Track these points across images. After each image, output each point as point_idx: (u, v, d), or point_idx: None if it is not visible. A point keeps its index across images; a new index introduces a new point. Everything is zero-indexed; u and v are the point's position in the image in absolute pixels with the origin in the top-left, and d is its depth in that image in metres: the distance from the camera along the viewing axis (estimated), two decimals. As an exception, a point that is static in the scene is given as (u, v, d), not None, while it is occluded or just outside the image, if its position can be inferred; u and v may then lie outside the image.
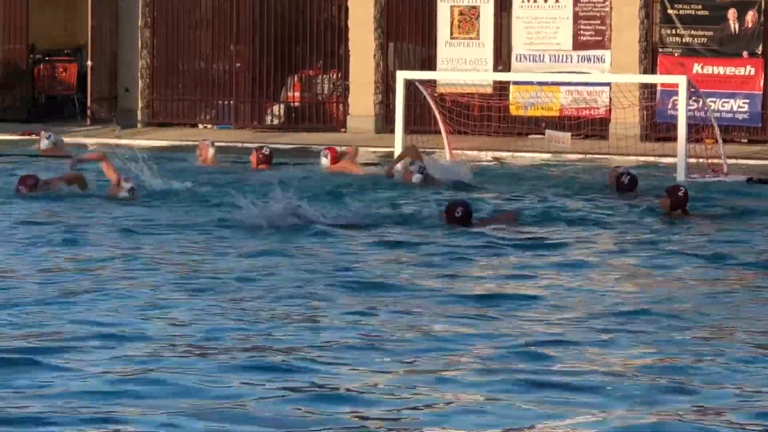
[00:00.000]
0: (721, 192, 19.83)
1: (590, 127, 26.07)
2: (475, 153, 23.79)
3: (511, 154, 24.78)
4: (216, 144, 23.18)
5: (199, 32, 28.92)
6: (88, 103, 28.64)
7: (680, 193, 16.26)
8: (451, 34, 27.14)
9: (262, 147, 22.10)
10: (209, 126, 28.65)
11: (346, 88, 27.80)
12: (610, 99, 25.98)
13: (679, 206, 16.02)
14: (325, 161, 21.80)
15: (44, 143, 24.66)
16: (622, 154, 24.58)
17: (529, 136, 26.16)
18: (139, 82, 28.78)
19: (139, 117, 28.62)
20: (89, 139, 26.66)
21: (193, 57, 29.05)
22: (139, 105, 28.79)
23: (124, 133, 27.36)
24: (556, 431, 6.43)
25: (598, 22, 26.63)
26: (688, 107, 22.34)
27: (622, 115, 25.07)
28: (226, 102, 28.75)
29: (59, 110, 29.65)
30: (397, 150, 22.15)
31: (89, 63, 28.75)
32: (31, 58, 29.90)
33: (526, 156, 24.99)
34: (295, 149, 25.45)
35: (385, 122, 26.55)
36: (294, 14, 29.11)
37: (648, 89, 25.73)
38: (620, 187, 18.04)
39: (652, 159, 24.18)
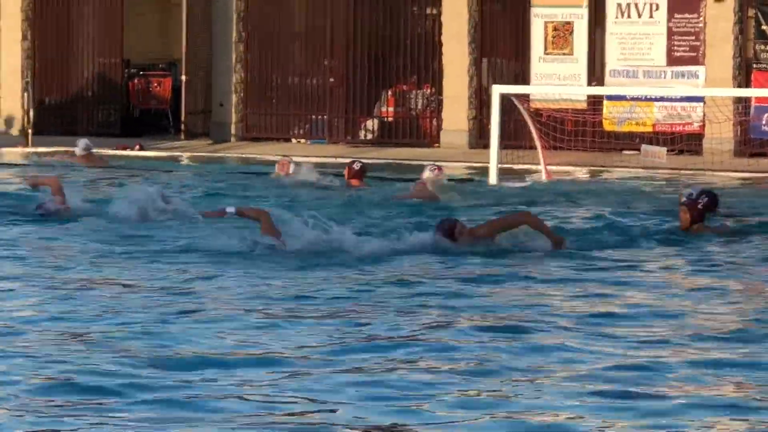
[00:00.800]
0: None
1: (684, 142, 25.11)
2: (570, 168, 23.35)
3: (605, 169, 23.97)
4: (296, 160, 22.70)
5: (293, 47, 28.85)
6: (182, 118, 28.56)
7: (699, 206, 15.15)
8: (545, 49, 26.70)
9: (354, 161, 21.29)
10: (302, 141, 28.50)
11: (440, 103, 27.30)
12: (704, 114, 25.17)
13: (700, 219, 15.08)
14: (430, 174, 20.72)
15: (78, 151, 24.16)
16: (716, 170, 23.61)
17: (623, 152, 25.16)
18: (233, 96, 28.31)
19: (233, 131, 28.21)
20: (184, 153, 27.03)
21: (286, 72, 28.71)
22: (233, 119, 28.39)
23: (218, 147, 28.11)
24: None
25: (693, 37, 26.10)
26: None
27: (717, 130, 24.27)
28: (319, 117, 28.24)
29: (154, 124, 29.64)
30: (493, 165, 21.64)
31: (183, 77, 28.57)
32: (126, 72, 29.87)
33: (619, 171, 23.78)
34: (388, 164, 24.91)
35: (478, 137, 26.17)
36: (388, 29, 28.70)
37: (742, 104, 25.33)
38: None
39: (747, 174, 23.59)
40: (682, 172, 24.03)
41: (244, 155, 27.38)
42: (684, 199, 15.97)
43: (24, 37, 29.63)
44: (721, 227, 15.51)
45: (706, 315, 10.57)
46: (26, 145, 27.78)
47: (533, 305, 10.61)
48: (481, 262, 12.96)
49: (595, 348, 8.64)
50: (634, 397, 6.97)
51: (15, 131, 29.36)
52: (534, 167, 22.80)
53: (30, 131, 28.28)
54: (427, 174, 20.72)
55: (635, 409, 6.68)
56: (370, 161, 24.55)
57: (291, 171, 21.44)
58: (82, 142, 24.75)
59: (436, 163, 22.21)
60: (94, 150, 24.53)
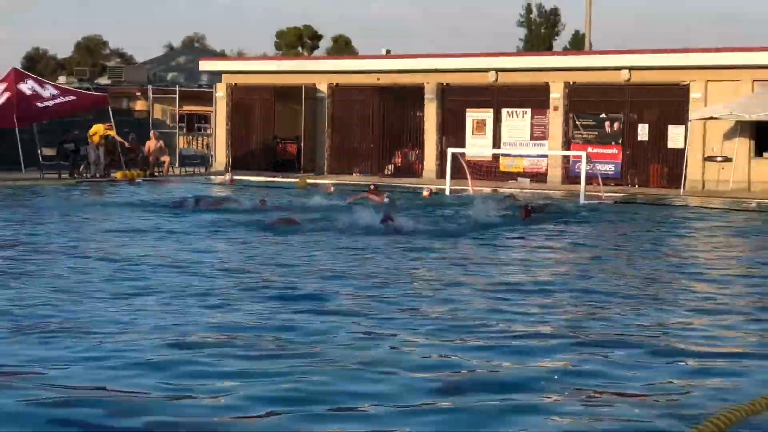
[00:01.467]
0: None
1: (537, 177, 31.31)
2: (482, 187, 27.15)
3: (501, 187, 28.43)
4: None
5: (353, 129, 34.47)
6: (302, 162, 34.30)
7: (528, 208, 18.68)
8: (473, 132, 32.71)
9: (373, 185, 24.14)
10: (358, 174, 33.56)
11: (423, 157, 32.89)
12: (548, 163, 31.41)
13: (528, 215, 18.23)
14: (426, 192, 24.51)
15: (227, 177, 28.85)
16: (553, 190, 28.64)
17: (509, 181, 30.92)
18: (325, 153, 34.53)
19: (325, 170, 34.16)
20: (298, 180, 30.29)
21: (351, 141, 34.60)
22: (324, 164, 34.47)
23: (318, 176, 32.58)
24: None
25: (543, 126, 31.93)
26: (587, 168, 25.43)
27: (554, 171, 31.30)
28: (364, 162, 34.02)
29: (289, 166, 34.24)
30: (447, 186, 25.95)
31: (302, 144, 34.43)
32: (275, 140, 35.17)
33: (508, 190, 27.91)
34: (399, 185, 28.81)
35: (440, 173, 30.68)
36: (399, 122, 34.11)
37: (565, 158, 30.83)
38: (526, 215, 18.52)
39: (567, 192, 27.61)
40: (536, 191, 28.50)
41: (333, 180, 30.45)
42: (523, 205, 19.73)
43: (227, 123, 35.59)
44: (537, 216, 18.58)
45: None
46: (227, 174, 31.95)
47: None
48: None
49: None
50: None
51: (222, 168, 34.61)
52: (466, 187, 26.37)
53: (229, 167, 34.33)
54: (425, 192, 24.50)
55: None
56: (389, 184, 28.84)
57: (380, 199, 21.92)
58: (230, 174, 30.61)
59: (428, 187, 25.82)
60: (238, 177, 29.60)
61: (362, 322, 8.14)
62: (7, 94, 28.16)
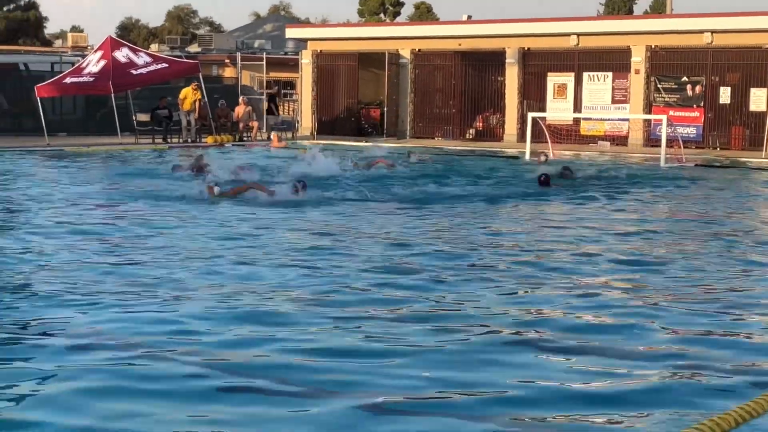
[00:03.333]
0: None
1: (618, 140, 30.98)
2: (563, 151, 27.07)
3: (581, 152, 27.98)
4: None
5: (435, 94, 34.66)
6: (384, 127, 34.58)
7: (543, 178, 17.70)
8: (553, 96, 32.36)
9: (410, 152, 25.26)
10: (440, 138, 33.81)
11: (503, 122, 32.80)
12: (629, 127, 30.84)
13: (546, 184, 17.46)
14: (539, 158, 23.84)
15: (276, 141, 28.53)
16: (634, 153, 28.28)
17: (590, 144, 30.59)
18: (408, 117, 34.60)
19: (408, 134, 34.45)
20: (385, 144, 30.93)
21: (432, 106, 34.72)
22: (407, 129, 34.62)
23: (401, 140, 33.04)
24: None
25: (624, 89, 31.14)
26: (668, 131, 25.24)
27: (635, 134, 30.87)
28: (447, 127, 34.14)
29: (372, 131, 34.52)
30: (527, 150, 25.62)
31: (385, 109, 34.68)
32: (359, 105, 35.40)
33: (588, 154, 27.71)
34: (480, 150, 29.58)
35: (521, 137, 29.92)
36: (480, 86, 33.48)
37: (646, 122, 30.51)
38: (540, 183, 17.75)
39: (648, 155, 27.07)
40: (619, 154, 28.10)
41: (415, 144, 30.87)
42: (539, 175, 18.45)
43: (312, 90, 35.79)
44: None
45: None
46: (313, 140, 32.86)
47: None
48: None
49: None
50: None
51: (308, 133, 34.92)
52: (545, 151, 25.62)
53: (315, 133, 34.50)
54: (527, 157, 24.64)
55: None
56: (473, 149, 29.81)
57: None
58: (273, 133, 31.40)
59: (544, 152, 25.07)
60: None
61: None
62: (103, 62, 28.77)
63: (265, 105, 33.57)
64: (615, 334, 6.69)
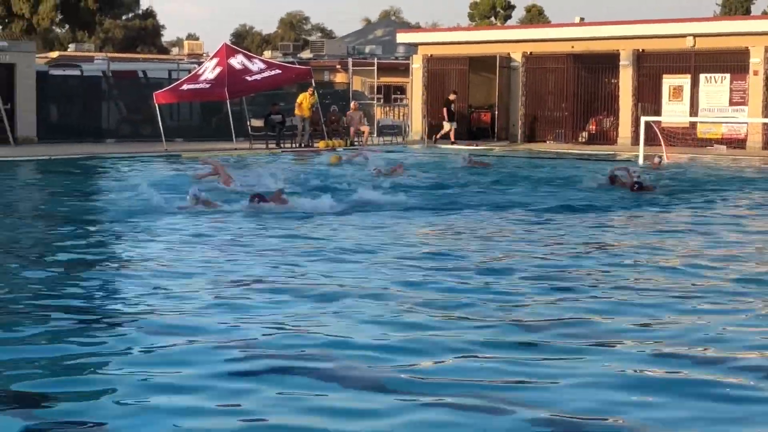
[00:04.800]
0: None
1: (736, 143, 30.41)
2: (679, 155, 26.65)
3: (697, 156, 27.84)
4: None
5: (547, 97, 34.54)
6: (496, 131, 34.77)
7: (636, 187, 17.00)
8: (668, 98, 32.00)
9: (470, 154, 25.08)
10: (551, 141, 33.68)
11: (617, 125, 32.60)
12: (747, 130, 30.39)
13: (641, 189, 16.88)
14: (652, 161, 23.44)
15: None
16: (753, 156, 28.00)
17: (706, 148, 29.97)
18: (519, 120, 34.47)
19: (519, 138, 34.26)
20: (496, 146, 32.16)
21: (544, 109, 34.56)
22: (519, 132, 34.47)
23: (513, 144, 33.27)
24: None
25: (742, 92, 30.57)
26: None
27: (753, 137, 30.33)
28: (558, 130, 33.97)
29: (484, 134, 34.94)
30: (641, 153, 25.27)
31: (496, 112, 34.67)
32: (470, 109, 35.75)
33: (706, 158, 27.25)
34: (590, 153, 29.20)
35: (635, 140, 29.59)
36: (593, 89, 33.54)
37: (766, 125, 29.60)
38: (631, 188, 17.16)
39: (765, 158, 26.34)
40: (735, 158, 27.78)
41: (527, 148, 31.78)
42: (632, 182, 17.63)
43: (422, 94, 36.03)
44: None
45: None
46: (424, 144, 33.62)
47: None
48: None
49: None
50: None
51: (418, 137, 35.15)
52: (660, 154, 24.75)
53: (425, 137, 34.66)
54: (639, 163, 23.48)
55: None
56: (583, 152, 29.82)
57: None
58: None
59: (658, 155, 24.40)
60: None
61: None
62: (219, 69, 29.36)
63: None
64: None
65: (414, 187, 17.49)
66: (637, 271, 9.35)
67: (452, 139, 32.38)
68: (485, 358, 6.16)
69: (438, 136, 32.74)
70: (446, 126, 32.76)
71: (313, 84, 31.54)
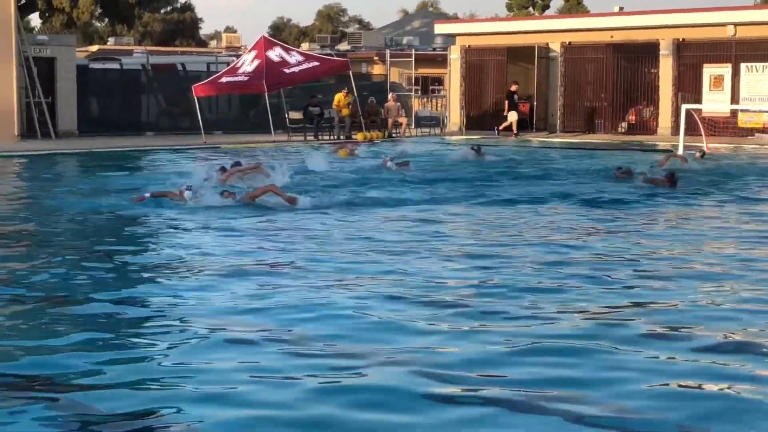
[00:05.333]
0: None
1: None
2: (718, 145, 26.88)
3: (738, 146, 28.17)
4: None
5: (586, 87, 34.34)
6: (534, 121, 34.58)
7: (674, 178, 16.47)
8: (709, 87, 31.87)
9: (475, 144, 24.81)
10: (591, 132, 33.26)
11: (657, 114, 32.53)
12: None
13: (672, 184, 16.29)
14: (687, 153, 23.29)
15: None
16: None
17: (747, 137, 30.25)
18: (558, 111, 34.42)
19: (558, 128, 34.23)
20: (535, 137, 32.54)
21: (582, 100, 34.42)
22: (557, 122, 34.43)
23: (551, 135, 33.26)
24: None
25: None
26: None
27: None
28: (598, 121, 33.75)
29: (523, 125, 33.98)
30: (681, 143, 25.31)
31: (534, 103, 34.58)
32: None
33: (749, 148, 27.40)
34: (630, 142, 29.49)
35: (675, 129, 29.70)
36: (633, 79, 33.30)
37: None
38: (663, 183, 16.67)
39: None
40: None
41: (564, 139, 31.74)
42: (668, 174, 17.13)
43: (461, 85, 35.94)
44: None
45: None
46: (461, 134, 33.85)
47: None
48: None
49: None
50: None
51: (456, 128, 35.32)
52: (701, 146, 25.07)
53: (463, 128, 35.09)
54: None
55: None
56: (621, 142, 30.05)
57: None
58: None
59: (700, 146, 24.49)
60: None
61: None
62: (257, 62, 29.51)
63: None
64: None
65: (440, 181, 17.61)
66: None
67: (514, 131, 32.49)
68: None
69: (502, 128, 32.69)
70: (510, 117, 32.65)
71: (350, 76, 31.63)
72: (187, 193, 13.29)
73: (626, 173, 17.98)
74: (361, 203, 13.93)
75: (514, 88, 32.97)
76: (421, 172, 18.97)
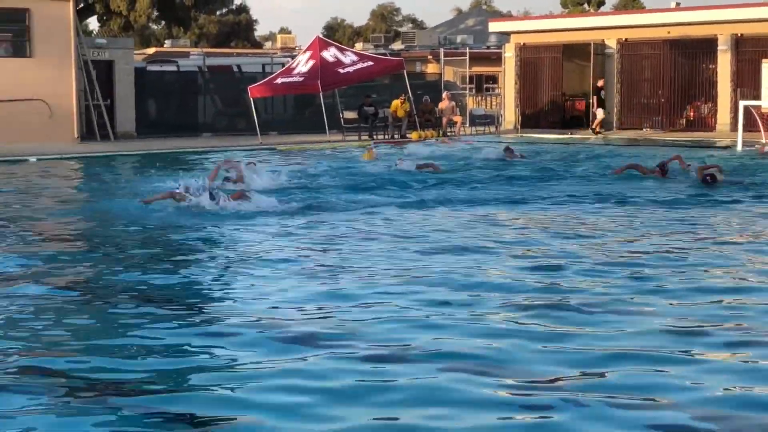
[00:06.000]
0: None
1: None
2: None
3: None
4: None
5: (642, 84, 34.04)
6: (590, 120, 33.54)
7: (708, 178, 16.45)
8: None
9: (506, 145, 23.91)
10: (649, 129, 33.15)
11: (715, 111, 32.25)
12: None
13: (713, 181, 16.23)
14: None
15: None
16: None
17: None
18: (614, 108, 34.04)
19: (614, 125, 33.83)
20: (591, 136, 31.76)
21: (639, 96, 34.17)
22: (614, 119, 33.98)
23: (607, 131, 32.78)
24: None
25: None
26: None
27: None
28: (655, 117, 33.46)
29: (578, 123, 33.97)
30: (739, 140, 24.90)
31: (591, 101, 33.83)
32: (564, 98, 35.37)
33: None
34: (688, 140, 28.98)
35: (733, 126, 29.34)
36: (690, 76, 33.05)
37: None
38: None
39: None
40: None
41: (618, 136, 31.76)
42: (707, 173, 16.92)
43: (515, 83, 35.92)
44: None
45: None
46: (517, 133, 33.70)
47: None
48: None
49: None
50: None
51: (511, 127, 35.30)
52: (764, 142, 25.33)
53: (518, 126, 34.76)
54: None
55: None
56: (679, 139, 29.23)
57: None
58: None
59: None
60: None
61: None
62: (312, 62, 29.67)
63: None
64: None
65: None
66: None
67: (595, 129, 32.07)
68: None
69: (596, 126, 32.25)
70: (600, 114, 32.22)
71: (404, 75, 31.64)
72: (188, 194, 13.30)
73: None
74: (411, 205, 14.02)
75: (600, 83, 32.48)
76: (452, 173, 18.92)
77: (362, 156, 22.83)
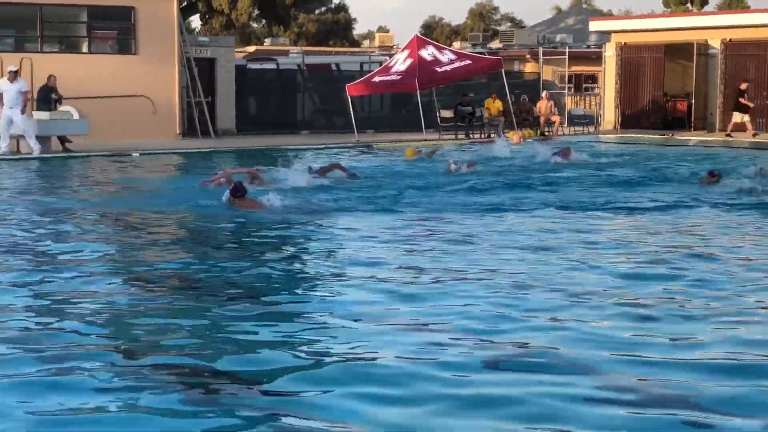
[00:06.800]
0: None
1: None
2: None
3: None
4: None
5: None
6: (692, 120, 33.42)
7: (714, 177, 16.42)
8: None
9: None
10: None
11: None
12: None
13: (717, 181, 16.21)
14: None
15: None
16: None
17: None
18: (717, 109, 33.12)
19: (717, 127, 32.83)
20: (695, 137, 30.91)
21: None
22: (716, 121, 32.90)
23: (709, 133, 31.97)
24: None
25: None
26: None
27: None
28: (759, 119, 32.27)
29: (680, 124, 33.54)
30: None
31: (693, 101, 33.16)
32: (665, 98, 34.36)
33: None
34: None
35: None
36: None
37: None
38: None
39: None
40: None
41: (716, 138, 30.04)
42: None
43: (616, 83, 35.05)
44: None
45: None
46: (617, 133, 33.37)
47: None
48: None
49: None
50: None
51: (611, 127, 34.72)
52: None
53: (618, 127, 34.34)
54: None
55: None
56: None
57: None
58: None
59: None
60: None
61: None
62: (410, 61, 29.80)
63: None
64: None
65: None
66: None
67: (727, 131, 31.01)
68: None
69: (751, 131, 31.08)
70: (745, 116, 30.97)
71: (502, 74, 31.63)
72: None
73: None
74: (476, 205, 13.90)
75: (743, 86, 31.18)
76: (492, 175, 18.58)
77: (405, 154, 22.59)
